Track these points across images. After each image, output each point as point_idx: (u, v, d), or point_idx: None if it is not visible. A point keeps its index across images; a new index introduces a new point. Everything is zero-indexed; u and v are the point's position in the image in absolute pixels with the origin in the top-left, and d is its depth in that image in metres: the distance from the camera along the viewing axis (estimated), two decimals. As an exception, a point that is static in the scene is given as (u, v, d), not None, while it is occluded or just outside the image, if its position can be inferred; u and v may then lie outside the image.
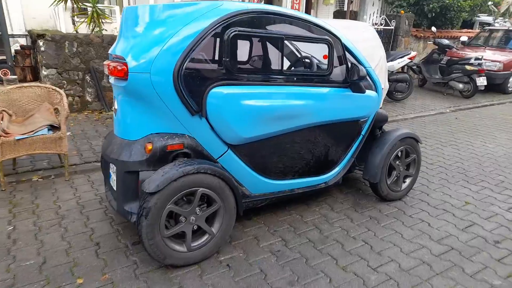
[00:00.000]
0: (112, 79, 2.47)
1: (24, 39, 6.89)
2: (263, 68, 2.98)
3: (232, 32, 2.38)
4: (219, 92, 2.42)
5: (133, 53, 2.27)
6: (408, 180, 3.56)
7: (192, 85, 2.34)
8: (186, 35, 2.28)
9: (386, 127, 3.75)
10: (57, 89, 4.01)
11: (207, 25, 2.32)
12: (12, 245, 2.68)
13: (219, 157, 2.63)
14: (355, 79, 2.87)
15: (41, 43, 5.54)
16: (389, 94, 7.65)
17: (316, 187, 3.15)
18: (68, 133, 5.07)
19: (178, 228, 2.40)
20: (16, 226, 2.92)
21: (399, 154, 3.40)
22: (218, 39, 2.43)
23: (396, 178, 3.44)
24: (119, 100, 2.51)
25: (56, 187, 3.67)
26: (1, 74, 5.54)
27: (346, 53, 2.95)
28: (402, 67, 8.11)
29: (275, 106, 2.65)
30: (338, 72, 2.94)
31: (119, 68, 2.28)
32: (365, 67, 3.05)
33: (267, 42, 2.89)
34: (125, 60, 2.26)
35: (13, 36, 6.69)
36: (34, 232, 2.84)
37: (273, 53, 2.83)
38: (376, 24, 9.38)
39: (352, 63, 2.93)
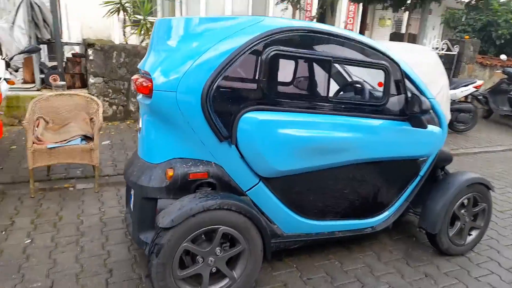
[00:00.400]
0: (139, 96, 2.25)
1: (78, 47, 7.12)
2: (306, 93, 2.62)
3: (272, 51, 2.07)
4: (253, 117, 2.11)
5: (161, 69, 2.05)
6: (474, 233, 2.98)
7: (222, 108, 2.06)
8: (220, 51, 2.02)
9: (449, 167, 3.21)
10: (95, 98, 3.93)
11: (245, 42, 2.03)
12: (24, 261, 2.51)
13: (249, 189, 2.30)
14: (416, 112, 2.43)
15: (90, 52, 5.62)
16: (450, 124, 6.92)
17: (360, 232, 2.70)
18: (107, 142, 5.02)
19: (193, 269, 2.07)
20: (34, 240, 2.76)
21: (465, 202, 2.85)
22: (256, 58, 2.13)
23: (460, 229, 2.88)
24: (143, 118, 2.29)
25: (84, 198, 3.53)
26: (51, 80, 5.67)
27: (406, 81, 2.52)
28: (466, 96, 7.36)
29: (317, 138, 2.28)
30: (395, 102, 2.51)
31: (144, 84, 2.06)
32: (428, 99, 2.60)
33: (312, 64, 2.55)
34: (151, 76, 2.03)
35: (67, 44, 6.91)
36: (50, 249, 2.66)
37: (319, 77, 2.47)
38: (436, 48, 8.70)
39: (412, 94, 2.49)
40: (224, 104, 2.06)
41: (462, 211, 2.86)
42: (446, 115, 5.44)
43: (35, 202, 3.37)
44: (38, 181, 3.70)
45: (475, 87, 7.13)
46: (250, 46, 2.05)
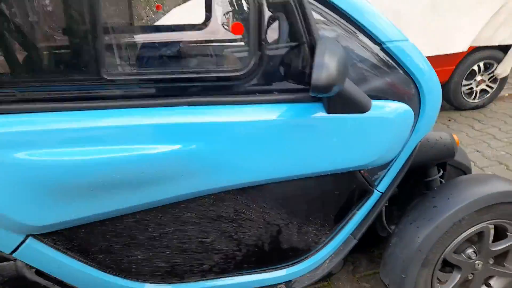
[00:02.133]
0: None
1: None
2: (53, 68, 1.23)
3: None
4: None
5: None
6: (497, 284, 1.62)
7: None
8: None
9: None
10: None
11: None
12: None
13: (14, 251, 1.28)
14: (321, 85, 1.03)
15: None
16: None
17: (263, 293, 1.55)
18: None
19: None
20: None
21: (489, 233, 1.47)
22: None
23: (462, 283, 1.55)
24: None
25: None
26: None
27: (310, 12, 1.10)
28: None
29: (91, 162, 1.10)
30: (286, 65, 1.14)
31: None
32: (384, 43, 1.18)
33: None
34: None
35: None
36: None
37: (80, 29, 1.14)
38: None
39: (322, 40, 1.05)
40: None
41: (470, 251, 1.49)
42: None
43: None
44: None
45: None
46: None
